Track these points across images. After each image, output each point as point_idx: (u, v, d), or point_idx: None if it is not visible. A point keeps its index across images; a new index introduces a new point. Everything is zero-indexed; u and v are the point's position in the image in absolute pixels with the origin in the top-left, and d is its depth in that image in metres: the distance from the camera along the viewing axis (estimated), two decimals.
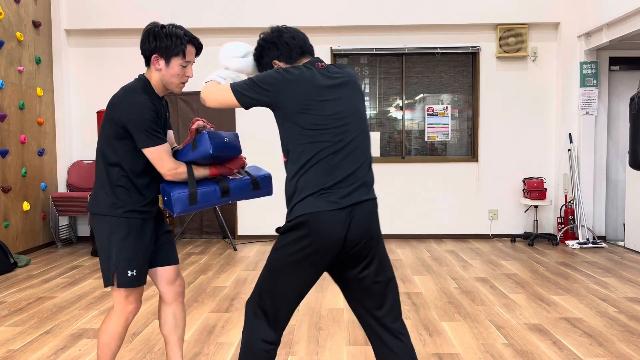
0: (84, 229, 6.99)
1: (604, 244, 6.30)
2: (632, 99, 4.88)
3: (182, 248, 6.45)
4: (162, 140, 2.16)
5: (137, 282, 2.24)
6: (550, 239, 6.55)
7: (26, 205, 5.99)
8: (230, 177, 2.33)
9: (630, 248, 6.15)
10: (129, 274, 2.21)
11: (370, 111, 7.12)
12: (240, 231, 7.06)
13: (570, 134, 6.65)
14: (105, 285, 2.24)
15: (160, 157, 2.15)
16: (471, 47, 6.85)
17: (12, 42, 5.85)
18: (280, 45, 2.06)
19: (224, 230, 6.63)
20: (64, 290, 4.51)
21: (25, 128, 6.09)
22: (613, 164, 6.93)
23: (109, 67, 6.97)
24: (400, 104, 7.05)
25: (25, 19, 6.13)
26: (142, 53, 2.23)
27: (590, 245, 6.24)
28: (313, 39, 6.90)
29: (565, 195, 6.68)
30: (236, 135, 2.33)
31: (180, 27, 2.22)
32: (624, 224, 6.36)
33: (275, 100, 1.91)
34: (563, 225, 6.58)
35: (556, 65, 6.83)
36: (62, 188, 6.83)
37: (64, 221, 6.76)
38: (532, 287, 4.49)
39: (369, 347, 3.19)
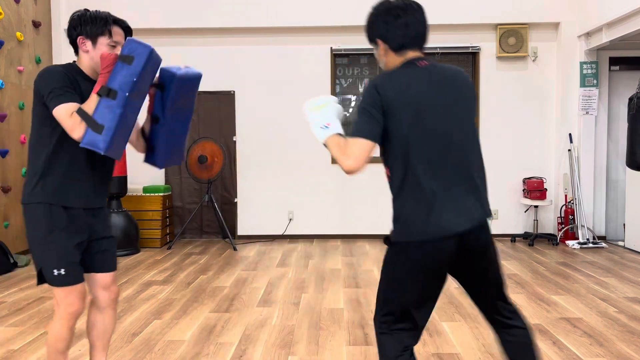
0: None
1: (604, 244, 6.30)
2: (630, 99, 4.88)
3: (182, 248, 6.44)
4: (67, 98, 2.03)
5: (66, 281, 2.14)
6: (550, 239, 6.55)
7: None
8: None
9: (630, 248, 6.15)
10: (55, 273, 2.13)
11: None
12: (240, 231, 7.06)
13: (570, 134, 6.65)
14: (37, 284, 2.20)
15: (65, 116, 2.01)
16: (471, 47, 6.85)
17: (12, 42, 5.85)
18: (391, 26, 1.87)
19: (224, 230, 6.63)
20: None
21: (26, 128, 6.08)
22: (613, 164, 6.92)
23: None
24: None
25: (25, 19, 6.13)
26: (70, 40, 2.18)
27: (591, 245, 6.24)
28: (313, 39, 6.91)
29: (565, 195, 6.68)
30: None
31: (107, 12, 2.21)
32: (624, 224, 6.36)
33: (384, 111, 1.80)
34: (563, 225, 6.58)
35: (556, 65, 6.83)
36: None
37: None
38: (532, 287, 4.49)
39: (369, 347, 3.19)
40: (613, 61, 6.76)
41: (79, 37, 2.16)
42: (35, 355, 3.09)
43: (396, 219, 1.84)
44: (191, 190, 7.01)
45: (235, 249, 6.29)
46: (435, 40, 6.90)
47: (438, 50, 6.87)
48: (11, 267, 5.24)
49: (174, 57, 6.72)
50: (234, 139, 6.99)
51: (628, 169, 6.20)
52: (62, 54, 6.75)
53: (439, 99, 1.82)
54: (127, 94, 2.01)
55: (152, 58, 2.08)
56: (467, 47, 6.85)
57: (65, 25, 6.81)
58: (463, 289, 2.01)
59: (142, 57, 2.04)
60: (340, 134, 1.91)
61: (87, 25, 2.14)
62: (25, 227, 2.19)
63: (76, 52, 2.21)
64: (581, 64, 6.58)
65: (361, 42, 6.92)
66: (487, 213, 1.89)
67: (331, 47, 6.93)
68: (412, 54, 1.89)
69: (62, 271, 2.13)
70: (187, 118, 2.39)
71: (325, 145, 1.92)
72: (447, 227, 1.77)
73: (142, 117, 2.36)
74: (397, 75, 1.83)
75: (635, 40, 6.12)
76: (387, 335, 1.88)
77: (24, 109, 6.03)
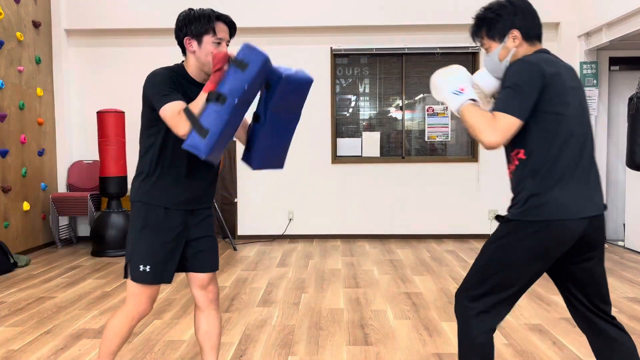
0: (84, 229, 6.99)
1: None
2: (630, 99, 4.89)
3: None
4: (173, 98, 2.03)
5: (148, 279, 2.16)
6: None
7: (26, 205, 5.99)
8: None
9: (630, 248, 6.14)
10: (141, 269, 2.14)
11: (370, 111, 7.12)
12: (240, 231, 7.06)
13: None
14: (124, 277, 2.21)
15: (171, 114, 2.00)
16: (471, 47, 6.85)
17: (12, 42, 5.85)
18: (527, 17, 1.93)
19: (224, 230, 6.63)
20: (64, 290, 4.51)
21: (25, 128, 6.09)
22: (613, 164, 6.92)
23: (109, 67, 6.97)
24: (400, 104, 7.05)
25: (25, 19, 6.13)
26: (177, 42, 2.21)
27: None
28: (313, 39, 6.91)
29: None
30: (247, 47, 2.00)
31: (210, 9, 2.18)
32: (624, 224, 6.36)
33: (541, 90, 1.79)
34: None
35: None
36: (62, 188, 6.83)
37: (64, 221, 6.76)
38: (532, 287, 4.49)
39: (369, 347, 3.19)
40: (613, 61, 6.76)
41: (185, 38, 2.16)
42: (35, 355, 3.09)
43: (531, 197, 1.82)
44: None
45: (235, 249, 6.29)
46: (435, 40, 6.91)
47: (438, 50, 6.87)
48: (11, 267, 5.24)
49: (175, 57, 6.72)
50: (234, 139, 6.98)
51: (628, 169, 6.20)
52: (62, 54, 6.76)
53: (576, 88, 1.88)
54: (236, 100, 1.96)
55: (266, 66, 2.01)
56: (467, 47, 6.85)
57: (65, 25, 6.85)
58: (561, 288, 2.00)
59: (256, 64, 1.97)
60: (475, 100, 1.89)
61: (191, 25, 2.14)
62: (129, 222, 2.24)
63: (184, 53, 2.22)
64: (581, 64, 6.58)
65: (361, 42, 6.92)
66: (606, 205, 1.93)
67: (331, 47, 6.93)
68: (539, 45, 1.97)
69: (147, 268, 2.15)
70: (291, 123, 2.28)
71: (458, 113, 1.90)
72: (584, 209, 1.82)
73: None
74: (546, 57, 1.86)
75: (635, 40, 6.12)
76: (474, 317, 1.90)
77: (24, 109, 6.04)
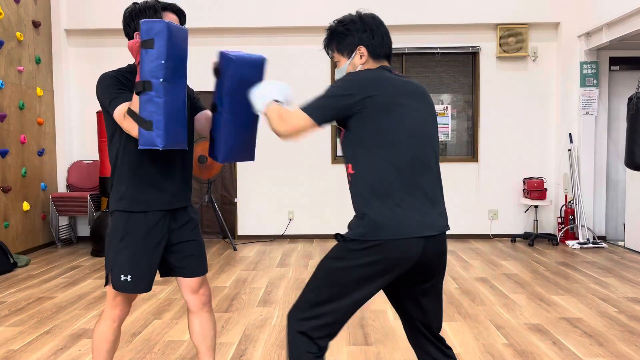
0: (84, 229, 6.98)
1: (604, 244, 6.30)
2: (630, 99, 4.89)
3: None
4: (121, 100, 2.00)
5: (130, 288, 2.14)
6: (550, 239, 6.55)
7: (26, 205, 5.99)
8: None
9: (630, 248, 6.15)
10: (122, 278, 2.12)
11: None
12: (240, 231, 7.06)
13: (570, 134, 6.65)
14: (105, 285, 2.20)
15: (121, 118, 1.97)
16: (471, 47, 6.85)
17: (12, 42, 5.85)
18: (376, 35, 1.92)
19: (224, 230, 6.63)
20: (64, 290, 4.51)
21: (25, 128, 6.09)
22: (613, 164, 6.92)
23: (108, 67, 6.94)
24: None
25: (25, 19, 6.12)
26: (128, 39, 2.13)
27: (591, 245, 6.24)
28: (313, 39, 6.90)
29: (566, 195, 6.68)
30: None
31: (153, 0, 2.11)
32: (624, 224, 6.36)
33: (357, 106, 1.77)
34: (563, 225, 6.58)
35: (556, 65, 6.83)
36: (62, 188, 6.83)
37: (63, 221, 6.75)
38: (532, 287, 4.49)
39: (369, 347, 3.19)
40: (613, 61, 6.76)
41: (136, 34, 2.10)
42: (35, 355, 3.09)
43: (363, 215, 1.77)
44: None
45: (235, 249, 6.29)
46: (435, 40, 6.91)
47: (438, 50, 6.87)
48: (11, 267, 5.24)
49: None
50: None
51: (628, 169, 6.20)
52: (62, 54, 6.76)
53: (415, 106, 1.84)
54: (161, 79, 1.88)
55: (172, 31, 1.90)
56: (467, 47, 6.84)
57: (65, 25, 6.85)
58: (396, 307, 1.97)
59: (162, 34, 1.87)
60: (277, 101, 1.92)
61: (138, 19, 2.08)
62: (108, 232, 2.20)
63: None
64: (581, 64, 6.58)
65: None
66: (447, 225, 1.87)
67: None
68: (386, 63, 1.96)
69: (129, 277, 2.12)
70: (253, 110, 2.14)
71: (262, 113, 1.95)
72: (419, 228, 1.75)
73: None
74: (377, 74, 1.84)
75: (635, 40, 6.12)
76: (305, 335, 1.80)
77: (24, 109, 6.04)
